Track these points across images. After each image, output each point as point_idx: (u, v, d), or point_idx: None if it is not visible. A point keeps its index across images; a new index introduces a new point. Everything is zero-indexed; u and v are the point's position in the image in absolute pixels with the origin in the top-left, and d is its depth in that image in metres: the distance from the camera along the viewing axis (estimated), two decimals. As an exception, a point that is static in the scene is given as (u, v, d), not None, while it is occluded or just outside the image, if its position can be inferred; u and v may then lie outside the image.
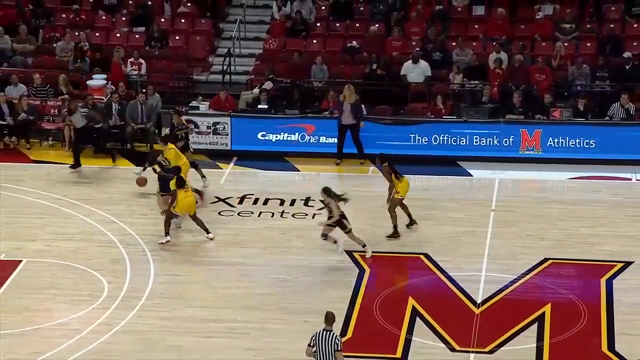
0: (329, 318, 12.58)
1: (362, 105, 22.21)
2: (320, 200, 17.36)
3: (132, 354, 14.50)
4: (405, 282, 16.74)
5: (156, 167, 18.60)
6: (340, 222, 17.01)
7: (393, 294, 16.24)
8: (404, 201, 18.04)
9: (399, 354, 14.57)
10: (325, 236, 17.07)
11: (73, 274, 16.71)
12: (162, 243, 17.61)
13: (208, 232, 17.88)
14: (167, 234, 17.65)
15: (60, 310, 15.61)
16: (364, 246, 17.18)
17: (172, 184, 17.64)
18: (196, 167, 20.16)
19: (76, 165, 20.86)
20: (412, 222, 18.28)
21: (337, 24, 25.37)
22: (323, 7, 25.80)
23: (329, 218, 17.08)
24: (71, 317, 15.35)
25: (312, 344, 12.44)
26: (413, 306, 15.72)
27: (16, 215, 18.83)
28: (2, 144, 22.17)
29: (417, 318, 15.41)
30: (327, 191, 17.02)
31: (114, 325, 15.17)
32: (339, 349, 12.38)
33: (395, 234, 17.97)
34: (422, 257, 17.40)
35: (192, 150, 20.34)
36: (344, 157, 21.66)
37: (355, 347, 14.51)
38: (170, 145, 18.85)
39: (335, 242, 17.16)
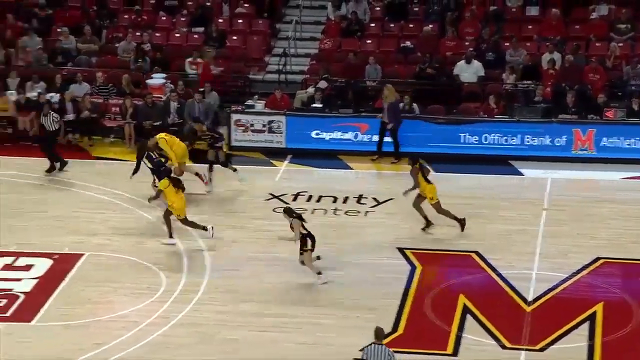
0: (379, 334, 12.35)
1: (415, 105, 22.13)
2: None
3: (189, 347, 14.63)
4: (456, 279, 16.66)
5: (146, 161, 18.74)
6: (303, 239, 16.09)
7: (444, 291, 16.18)
8: (422, 204, 17.82)
9: (449, 351, 14.50)
10: (302, 262, 16.30)
11: (132, 268, 16.89)
12: (165, 244, 17.42)
13: (205, 228, 17.47)
14: (170, 235, 17.45)
15: (120, 302, 15.81)
16: (318, 273, 16.25)
17: (162, 184, 17.39)
18: (227, 165, 20.02)
19: (51, 169, 20.63)
20: (428, 225, 17.98)
21: (392, 25, 25.33)
22: (378, 8, 25.77)
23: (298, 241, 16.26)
24: (130, 310, 15.53)
25: (364, 357, 12.25)
26: (464, 303, 15.65)
27: (78, 210, 19.09)
28: (66, 140, 22.49)
29: (468, 315, 15.34)
30: (288, 212, 16.40)
31: (171, 318, 15.31)
32: None
33: (462, 223, 17.82)
34: (473, 255, 17.30)
35: (224, 150, 20.26)
36: (383, 155, 21.65)
37: (406, 343, 14.49)
38: (160, 135, 19.27)
39: (319, 273, 16.34)
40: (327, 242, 17.80)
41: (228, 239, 17.92)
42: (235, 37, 25.32)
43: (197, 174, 19.60)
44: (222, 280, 16.60)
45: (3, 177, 20.39)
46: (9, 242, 17.42)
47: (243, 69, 24.63)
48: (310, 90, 22.98)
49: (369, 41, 24.92)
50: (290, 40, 25.05)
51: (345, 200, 19.71)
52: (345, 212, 19.21)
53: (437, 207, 17.82)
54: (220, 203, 19.47)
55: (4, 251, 17.06)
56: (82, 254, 17.25)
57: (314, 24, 26.00)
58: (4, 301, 15.65)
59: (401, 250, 17.48)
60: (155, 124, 22.20)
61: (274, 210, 19.15)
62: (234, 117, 22.24)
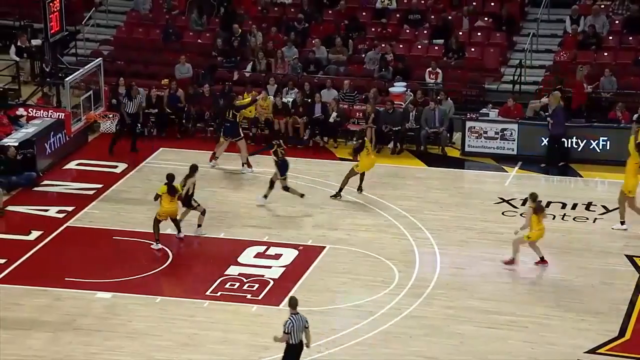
0: (294, 303, 12.84)
1: None
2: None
3: (417, 338, 14.66)
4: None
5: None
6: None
7: (674, 300, 15.26)
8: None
9: (679, 360, 13.68)
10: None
11: (368, 262, 17.08)
12: (154, 249, 17.23)
13: (179, 232, 17.52)
14: (157, 240, 17.20)
15: (356, 293, 16.01)
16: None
17: (160, 190, 17.00)
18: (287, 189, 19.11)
19: (133, 150, 21.42)
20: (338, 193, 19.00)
21: (630, 37, 24.16)
22: (617, 22, 24.65)
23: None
24: (365, 300, 15.70)
25: (289, 331, 12.72)
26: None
27: (322, 206, 19.49)
28: (312, 142, 23.03)
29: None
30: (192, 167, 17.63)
31: (402, 310, 15.39)
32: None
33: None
34: None
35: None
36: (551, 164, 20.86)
37: (633, 348, 13.86)
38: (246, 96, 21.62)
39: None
40: (554, 246, 17.25)
41: (457, 239, 17.74)
42: (473, 49, 25.04)
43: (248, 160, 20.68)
44: (450, 277, 16.48)
45: (260, 175, 21.11)
46: (262, 233, 18.06)
47: (479, 79, 24.32)
48: (544, 99, 22.33)
49: (605, 54, 23.89)
50: (526, 52, 24.48)
51: (574, 206, 19.01)
52: (574, 219, 18.53)
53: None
54: (453, 206, 19.29)
55: (258, 240, 17.70)
56: (324, 247, 17.60)
57: (550, 37, 25.27)
58: (256, 286, 16.26)
59: (630, 257, 16.63)
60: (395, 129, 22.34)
61: (502, 213, 18.77)
62: (468, 124, 22.03)
